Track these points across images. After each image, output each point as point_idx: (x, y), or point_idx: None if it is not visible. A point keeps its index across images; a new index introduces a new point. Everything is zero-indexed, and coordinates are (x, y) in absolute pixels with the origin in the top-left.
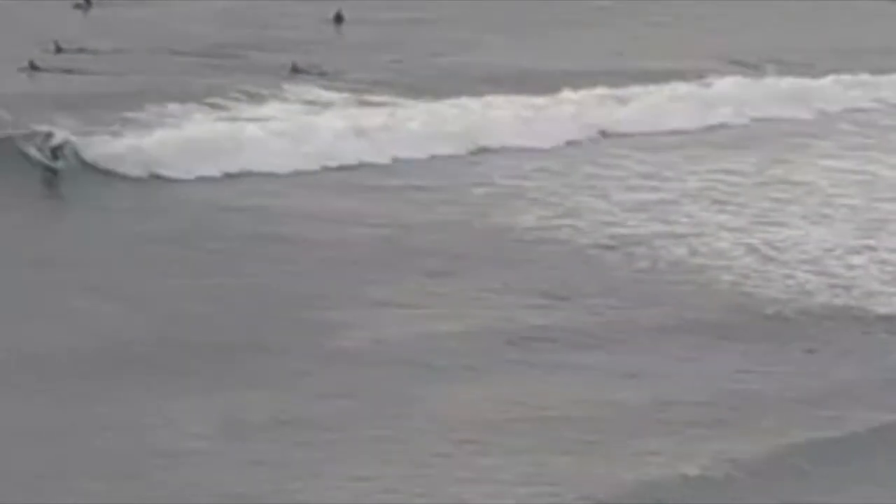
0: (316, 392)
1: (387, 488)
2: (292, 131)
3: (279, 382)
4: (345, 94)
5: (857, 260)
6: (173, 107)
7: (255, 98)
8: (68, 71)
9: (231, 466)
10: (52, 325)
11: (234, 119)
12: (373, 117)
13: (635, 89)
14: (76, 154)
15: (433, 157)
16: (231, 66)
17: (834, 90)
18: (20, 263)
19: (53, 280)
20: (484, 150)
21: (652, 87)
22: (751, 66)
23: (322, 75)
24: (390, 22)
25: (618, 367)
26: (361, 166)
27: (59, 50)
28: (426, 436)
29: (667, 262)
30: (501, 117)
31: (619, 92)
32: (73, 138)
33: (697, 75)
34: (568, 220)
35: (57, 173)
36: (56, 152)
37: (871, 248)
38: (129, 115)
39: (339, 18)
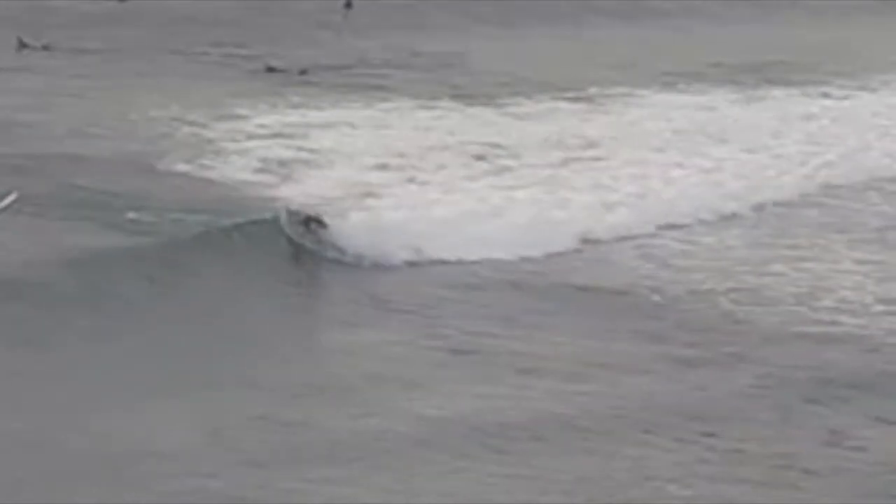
0: None
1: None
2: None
3: None
4: None
5: None
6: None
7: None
8: None
9: None
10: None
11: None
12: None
13: None
14: (326, 230)
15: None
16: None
17: None
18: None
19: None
20: None
21: None
22: None
23: (302, 74)
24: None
25: None
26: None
27: (22, 45)
28: None
29: None
30: None
31: None
32: (324, 217)
33: None
34: None
35: (307, 250)
36: (308, 225)
37: None
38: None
39: (348, 5)
